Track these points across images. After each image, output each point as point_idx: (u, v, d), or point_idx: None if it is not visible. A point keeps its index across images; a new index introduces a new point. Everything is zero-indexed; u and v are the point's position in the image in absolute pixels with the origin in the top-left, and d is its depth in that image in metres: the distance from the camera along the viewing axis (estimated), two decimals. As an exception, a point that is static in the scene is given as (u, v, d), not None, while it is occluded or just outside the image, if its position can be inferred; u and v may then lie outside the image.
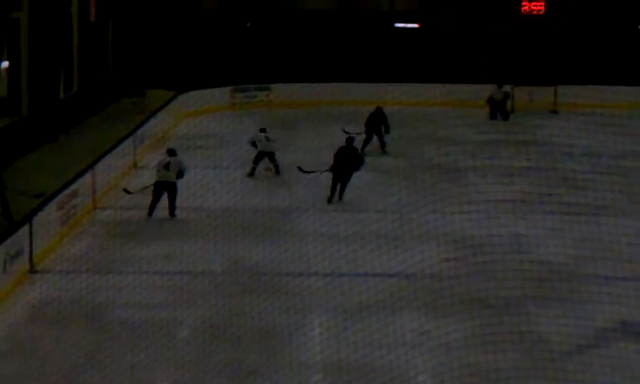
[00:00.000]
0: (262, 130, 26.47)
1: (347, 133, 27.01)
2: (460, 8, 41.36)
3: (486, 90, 36.56)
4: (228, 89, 37.76)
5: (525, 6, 41.23)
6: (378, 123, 29.05)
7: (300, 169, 24.25)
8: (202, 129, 27.31)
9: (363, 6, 41.60)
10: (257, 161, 25.77)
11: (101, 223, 21.27)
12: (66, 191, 20.44)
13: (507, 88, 36.64)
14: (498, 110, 36.22)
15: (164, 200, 21.55)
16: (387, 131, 28.79)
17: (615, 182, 23.89)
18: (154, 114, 31.18)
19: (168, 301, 16.39)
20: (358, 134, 27.56)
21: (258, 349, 14.37)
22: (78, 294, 16.55)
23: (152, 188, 21.82)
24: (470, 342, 14.18)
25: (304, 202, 22.62)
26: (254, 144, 25.89)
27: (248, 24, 40.60)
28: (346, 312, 15.65)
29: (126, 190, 22.73)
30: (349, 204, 22.54)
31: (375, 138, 28.79)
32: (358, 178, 23.36)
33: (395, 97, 35.00)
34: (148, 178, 23.30)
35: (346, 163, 23.17)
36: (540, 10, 41.28)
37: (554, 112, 37.19)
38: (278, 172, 25.65)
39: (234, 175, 25.24)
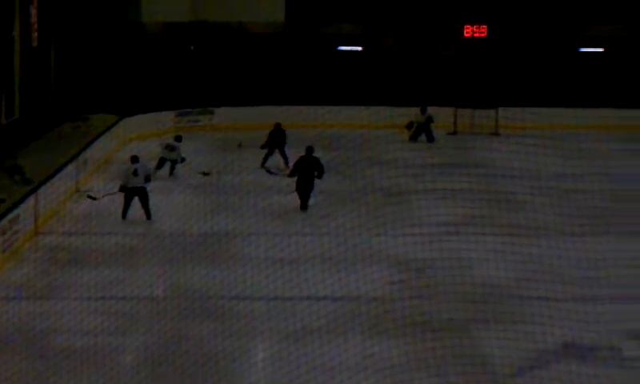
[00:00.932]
0: (177, 139, 28.74)
1: (271, 172, 28.05)
2: (403, 31, 41.62)
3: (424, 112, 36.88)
4: (171, 113, 37.66)
5: (467, 29, 41.58)
6: (278, 140, 30.17)
7: (267, 170, 26.79)
8: (145, 153, 27.19)
9: (307, 29, 41.69)
10: (159, 165, 27.96)
11: (43, 249, 21.08)
12: (8, 217, 20.24)
13: (430, 112, 36.85)
14: (423, 132, 36.47)
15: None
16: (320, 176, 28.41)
17: (555, 204, 24.17)
18: (96, 138, 30.98)
19: (111, 327, 16.26)
20: (279, 172, 28.08)
21: (202, 374, 14.29)
22: (19, 321, 16.37)
23: (116, 194, 23.15)
24: (414, 364, 14.21)
25: (248, 225, 22.60)
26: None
27: (191, 48, 40.53)
28: (290, 336, 15.63)
29: (90, 196, 23.43)
30: (292, 227, 22.52)
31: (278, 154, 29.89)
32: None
33: (339, 120, 35.14)
34: (89, 203, 23.26)
35: (307, 172, 24.38)
36: (482, 34, 41.64)
37: (496, 134, 37.50)
38: (171, 173, 28.25)
39: (178, 199, 25.15)
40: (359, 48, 42.20)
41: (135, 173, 23.16)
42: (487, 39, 41.49)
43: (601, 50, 41.85)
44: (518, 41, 41.58)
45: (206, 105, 38.82)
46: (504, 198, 25.49)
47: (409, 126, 36.43)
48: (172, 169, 28.51)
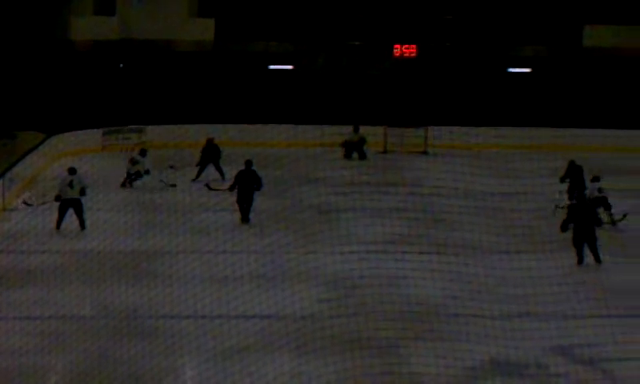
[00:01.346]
0: (141, 153, 30.08)
1: (211, 188, 28.52)
2: (333, 50, 41.74)
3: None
4: (100, 131, 37.37)
5: (397, 49, 41.82)
6: (211, 155, 30.99)
7: (207, 186, 27.55)
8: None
9: (236, 48, 41.64)
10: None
11: (-31, 268, 20.72)
12: None
13: (362, 131, 37.07)
14: (355, 151, 36.70)
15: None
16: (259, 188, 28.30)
17: (483, 223, 24.34)
18: (24, 156, 30.59)
19: (37, 347, 15.97)
20: (220, 186, 28.28)
21: (130, 394, 14.14)
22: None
23: (52, 201, 23.83)
24: (344, 382, 14.19)
25: (177, 243, 22.43)
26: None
27: (121, 65, 40.27)
28: (220, 355, 15.49)
29: (25, 202, 24.13)
30: (223, 245, 22.38)
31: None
32: (232, 221, 23.32)
33: (269, 138, 35.15)
34: (16, 221, 22.97)
35: (246, 185, 25.04)
36: (412, 53, 41.91)
37: (425, 153, 37.75)
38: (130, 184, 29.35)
39: (106, 217, 24.91)
40: (290, 67, 42.25)
41: (71, 184, 23.63)
42: (416, 59, 41.78)
43: (528, 70, 42.38)
44: (447, 60, 41.93)
45: (136, 123, 38.57)
46: (434, 217, 25.62)
47: (344, 144, 36.59)
48: (131, 180, 29.36)
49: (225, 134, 34.85)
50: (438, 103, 40.39)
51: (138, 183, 29.43)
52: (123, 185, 29.45)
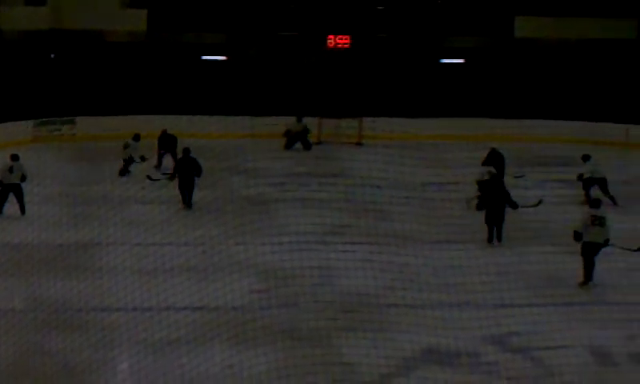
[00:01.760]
0: (135, 138, 30.28)
1: (153, 179, 27.85)
2: (267, 41, 41.62)
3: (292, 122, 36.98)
4: (31, 122, 36.86)
5: (330, 39, 41.80)
6: (168, 144, 31.31)
7: (149, 177, 27.46)
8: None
9: (170, 38, 41.36)
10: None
11: None
12: None
13: (305, 121, 37.04)
14: (299, 141, 36.65)
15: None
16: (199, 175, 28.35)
17: (418, 213, 24.40)
18: (-49, 148, 30.12)
19: (-34, 341, 15.70)
20: (162, 176, 28.19)
21: (62, 387, 13.94)
22: None
23: None
24: (278, 373, 14.12)
25: (107, 235, 22.18)
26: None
27: (52, 56, 39.76)
28: (151, 347, 15.33)
29: None
30: (153, 237, 22.13)
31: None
32: (162, 213, 23.15)
33: (202, 129, 34.95)
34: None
35: (187, 171, 25.92)
36: (345, 44, 41.91)
37: (359, 144, 37.79)
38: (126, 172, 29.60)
39: (36, 209, 24.57)
40: (223, 57, 42.05)
41: (11, 170, 24.64)
42: (350, 49, 41.81)
43: (461, 60, 42.60)
44: (381, 51, 42.00)
45: (67, 114, 38.13)
46: (367, 207, 25.59)
47: (286, 134, 36.53)
48: (126, 167, 29.82)
49: (157, 124, 34.52)
50: (372, 94, 40.46)
51: (131, 168, 29.81)
52: (121, 173, 29.59)
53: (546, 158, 34.27)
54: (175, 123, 35.97)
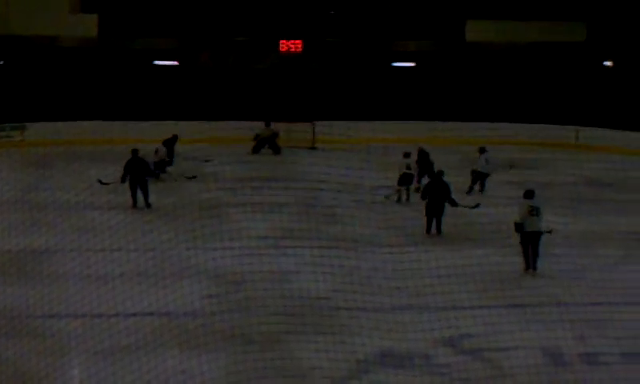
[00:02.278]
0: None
1: (102, 182, 27.54)
2: (219, 46, 41.56)
3: (246, 126, 36.88)
4: (-20, 128, 36.62)
5: (282, 44, 41.81)
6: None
7: (99, 181, 27.12)
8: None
9: (121, 43, 41.17)
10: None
11: None
12: None
13: (273, 126, 37.09)
14: (267, 145, 36.73)
15: None
16: (152, 175, 28.53)
17: (371, 217, 24.46)
18: None
19: None
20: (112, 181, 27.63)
21: (12, 395, 13.76)
22: None
23: None
24: (231, 378, 14.04)
25: (57, 241, 21.97)
26: None
27: (1, 62, 39.42)
28: (103, 353, 15.16)
29: None
30: (102, 242, 21.91)
31: None
32: (112, 218, 22.98)
33: (154, 135, 34.75)
34: None
35: (137, 172, 26.35)
36: (298, 49, 41.95)
37: (313, 148, 37.81)
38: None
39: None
40: (175, 62, 41.94)
41: None
42: (302, 54, 41.85)
43: (412, 64, 42.78)
44: (333, 55, 42.08)
45: (18, 120, 37.83)
46: (320, 211, 25.60)
47: (255, 138, 36.59)
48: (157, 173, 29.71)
49: (109, 130, 34.40)
50: (325, 98, 40.53)
51: (164, 175, 30.16)
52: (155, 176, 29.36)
53: (496, 160, 34.48)
54: (127, 129, 35.85)
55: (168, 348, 15.26)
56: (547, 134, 39.22)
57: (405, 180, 27.92)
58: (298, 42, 41.87)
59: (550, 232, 20.53)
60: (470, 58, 42.79)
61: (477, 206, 24.70)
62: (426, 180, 27.15)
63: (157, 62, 41.69)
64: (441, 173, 24.87)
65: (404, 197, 27.82)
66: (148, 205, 26.19)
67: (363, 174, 29.49)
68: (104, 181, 27.55)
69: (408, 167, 27.91)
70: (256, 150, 36.48)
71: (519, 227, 20.23)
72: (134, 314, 16.91)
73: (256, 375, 13.99)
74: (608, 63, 44.80)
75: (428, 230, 23.69)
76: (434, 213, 23.78)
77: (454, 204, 23.96)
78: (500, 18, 42.01)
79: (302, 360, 14.95)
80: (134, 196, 26.28)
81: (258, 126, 37.01)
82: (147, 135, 34.57)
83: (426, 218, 23.81)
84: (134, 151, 26.90)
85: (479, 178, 29.46)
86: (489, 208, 25.39)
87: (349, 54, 42.45)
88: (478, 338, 15.86)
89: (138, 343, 15.54)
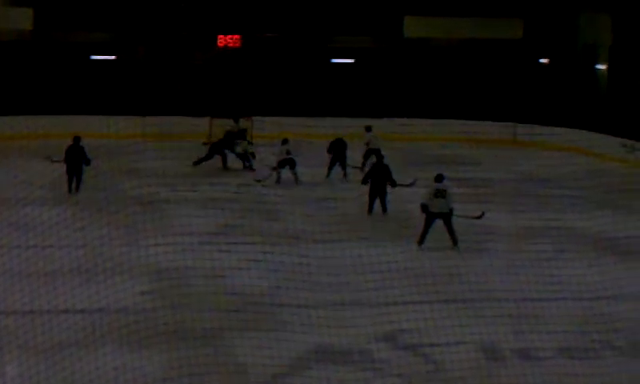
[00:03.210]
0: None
1: (54, 160, 28.11)
2: (156, 40, 41.32)
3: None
4: None
5: (220, 39, 41.67)
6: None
7: (50, 159, 28.25)
8: None
9: (57, 37, 40.76)
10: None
11: None
12: None
13: (243, 122, 36.87)
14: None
15: None
16: (88, 164, 28.34)
17: (308, 212, 24.48)
18: None
19: None
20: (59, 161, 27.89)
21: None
22: None
23: None
24: (169, 374, 13.98)
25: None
26: None
27: None
28: (34, 350, 14.95)
29: None
30: (34, 239, 21.56)
31: None
32: (44, 214, 22.68)
33: (90, 129, 34.45)
34: None
35: (74, 160, 27.41)
36: (236, 44, 41.84)
37: (250, 143, 37.70)
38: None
39: None
40: (112, 57, 41.61)
41: None
42: (241, 49, 41.74)
43: (351, 60, 42.87)
44: (271, 51, 42.03)
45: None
46: (259, 207, 25.60)
47: (226, 135, 36.38)
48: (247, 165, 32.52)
49: (44, 125, 34.03)
50: (264, 93, 40.48)
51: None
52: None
53: (436, 157, 34.70)
54: (64, 123, 35.50)
55: (108, 345, 15.12)
56: (485, 131, 39.49)
57: (283, 163, 29.89)
58: (236, 36, 41.74)
59: (479, 217, 22.52)
60: (409, 54, 42.97)
61: (413, 183, 26.41)
62: (338, 168, 30.99)
63: (93, 57, 41.34)
64: (381, 157, 26.71)
65: (284, 176, 30.06)
66: (77, 188, 27.45)
67: (301, 170, 29.57)
68: (55, 159, 28.00)
69: (287, 152, 29.94)
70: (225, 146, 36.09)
71: (424, 208, 21.92)
72: (66, 311, 16.66)
73: (194, 371, 13.92)
74: (544, 60, 45.25)
75: (370, 210, 25.32)
76: (377, 193, 25.32)
77: (394, 184, 25.50)
78: (438, 15, 42.24)
79: (241, 356, 14.92)
80: (69, 181, 27.33)
81: (228, 123, 36.89)
82: (84, 129, 34.19)
83: (368, 199, 25.29)
84: (76, 138, 27.89)
85: (370, 153, 31.40)
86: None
87: (287, 49, 42.42)
88: (415, 333, 15.93)
89: (70, 340, 15.36)
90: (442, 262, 19.88)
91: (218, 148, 33.01)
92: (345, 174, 31.06)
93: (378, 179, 25.46)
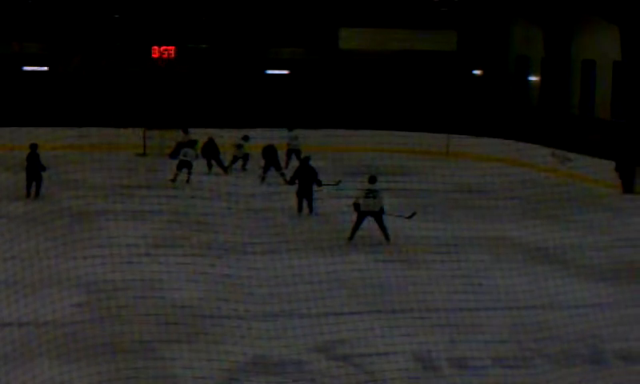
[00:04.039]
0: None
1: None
2: (90, 51, 41.01)
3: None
4: None
5: (155, 50, 41.47)
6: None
7: None
8: None
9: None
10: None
11: None
12: None
13: (192, 133, 36.76)
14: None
15: None
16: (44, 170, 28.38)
17: (244, 225, 24.42)
18: None
19: None
20: None
21: None
22: None
23: None
24: (101, 388, 13.85)
25: None
26: None
27: None
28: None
29: None
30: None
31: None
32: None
33: (22, 141, 34.08)
34: None
35: (33, 165, 28.36)
36: (170, 55, 41.67)
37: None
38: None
39: None
40: (45, 68, 41.23)
41: None
42: (175, 60, 41.58)
43: (286, 72, 42.90)
44: (206, 62, 41.92)
45: None
46: (194, 219, 25.48)
47: (177, 146, 36.28)
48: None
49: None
50: (198, 105, 40.34)
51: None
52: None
53: (370, 167, 34.84)
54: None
55: (32, 357, 14.86)
56: (419, 142, 39.69)
57: (182, 166, 31.78)
58: (170, 48, 41.57)
59: (410, 217, 24.11)
60: (344, 66, 43.11)
61: (338, 182, 28.04)
62: (273, 171, 32.49)
63: (26, 68, 40.92)
64: (307, 159, 27.92)
65: (181, 178, 31.75)
66: (37, 194, 28.43)
67: (237, 181, 29.52)
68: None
69: (185, 155, 31.92)
70: (173, 156, 35.87)
71: (357, 207, 23.61)
72: (7, 325, 16.40)
73: (128, 384, 13.81)
74: (477, 72, 45.68)
75: (299, 210, 26.94)
76: (304, 194, 26.87)
77: (319, 184, 27.27)
78: (373, 26, 42.44)
79: (174, 368, 14.82)
80: (29, 187, 28.39)
81: (178, 134, 36.75)
82: (16, 141, 33.88)
83: (297, 200, 26.94)
84: (33, 145, 28.99)
85: (291, 153, 35.21)
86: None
87: (222, 61, 42.32)
88: (350, 343, 15.95)
89: (11, 354, 15.05)
90: (377, 272, 19.93)
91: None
92: (282, 176, 32.19)
93: (305, 180, 27.02)
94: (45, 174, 28.79)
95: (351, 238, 23.43)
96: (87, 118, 38.43)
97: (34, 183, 28.57)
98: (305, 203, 26.92)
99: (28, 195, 28.34)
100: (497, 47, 44.95)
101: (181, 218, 25.73)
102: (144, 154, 37.62)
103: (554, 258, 22.28)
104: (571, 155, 36.28)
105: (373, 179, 24.09)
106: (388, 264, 21.26)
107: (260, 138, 34.86)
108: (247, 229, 23.89)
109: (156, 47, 41.40)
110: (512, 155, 36.95)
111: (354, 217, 23.74)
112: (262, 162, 32.81)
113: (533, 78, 43.97)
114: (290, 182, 28.01)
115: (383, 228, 23.54)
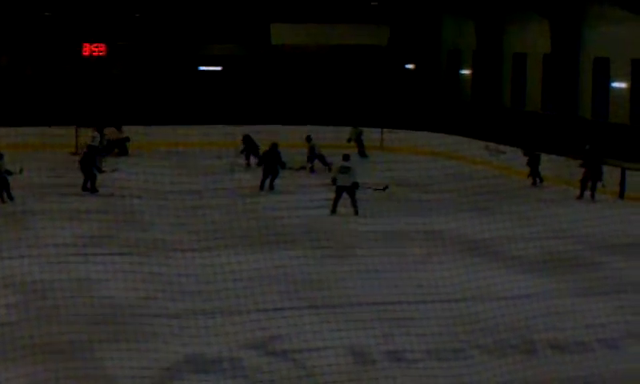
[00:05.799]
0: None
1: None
2: (19, 49, 40.58)
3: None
4: None
5: (85, 48, 41.14)
6: None
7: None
8: None
9: None
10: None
11: None
12: None
13: (124, 130, 36.54)
14: (117, 148, 36.39)
15: None
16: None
17: (177, 222, 24.29)
18: None
19: None
20: None
21: None
22: None
23: None
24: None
25: None
26: None
27: None
28: None
29: None
30: None
31: None
32: None
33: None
34: None
35: None
36: (101, 52, 41.37)
37: (120, 153, 37.36)
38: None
39: None
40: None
41: None
42: (106, 58, 41.28)
43: (219, 68, 42.79)
44: (138, 59, 41.67)
45: None
46: (127, 218, 25.33)
47: (108, 142, 36.07)
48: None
49: None
50: (131, 102, 40.09)
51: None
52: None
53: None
54: None
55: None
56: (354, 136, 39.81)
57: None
58: (101, 45, 41.25)
59: (384, 189, 29.46)
60: (276, 61, 43.09)
61: (386, 188, 30.42)
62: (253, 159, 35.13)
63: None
64: (275, 145, 31.59)
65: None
66: (10, 197, 27.96)
67: (170, 179, 29.33)
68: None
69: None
70: (106, 153, 35.54)
71: (334, 181, 26.81)
72: None
73: (61, 384, 13.68)
74: (410, 66, 45.91)
75: (261, 187, 30.66)
76: (269, 172, 30.76)
77: (283, 166, 31.63)
78: (305, 21, 42.47)
79: (108, 368, 14.71)
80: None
81: (111, 130, 36.48)
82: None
83: (262, 177, 30.71)
84: None
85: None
86: (299, 210, 25.74)
87: (155, 57, 42.09)
88: (285, 339, 15.96)
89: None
90: (310, 268, 19.94)
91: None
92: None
93: (271, 161, 30.96)
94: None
95: (333, 211, 26.53)
96: (18, 116, 37.96)
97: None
98: (269, 182, 30.66)
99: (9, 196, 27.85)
100: (429, 41, 45.22)
101: (114, 217, 25.56)
102: (76, 153, 37.25)
103: (487, 249, 22.49)
104: (503, 148, 36.62)
105: (346, 157, 27.48)
106: (324, 259, 21.29)
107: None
108: (183, 227, 23.77)
109: (87, 44, 41.06)
110: (445, 149, 37.19)
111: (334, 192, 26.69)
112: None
113: (465, 72, 44.31)
114: (259, 163, 32.41)
115: (354, 203, 26.41)
